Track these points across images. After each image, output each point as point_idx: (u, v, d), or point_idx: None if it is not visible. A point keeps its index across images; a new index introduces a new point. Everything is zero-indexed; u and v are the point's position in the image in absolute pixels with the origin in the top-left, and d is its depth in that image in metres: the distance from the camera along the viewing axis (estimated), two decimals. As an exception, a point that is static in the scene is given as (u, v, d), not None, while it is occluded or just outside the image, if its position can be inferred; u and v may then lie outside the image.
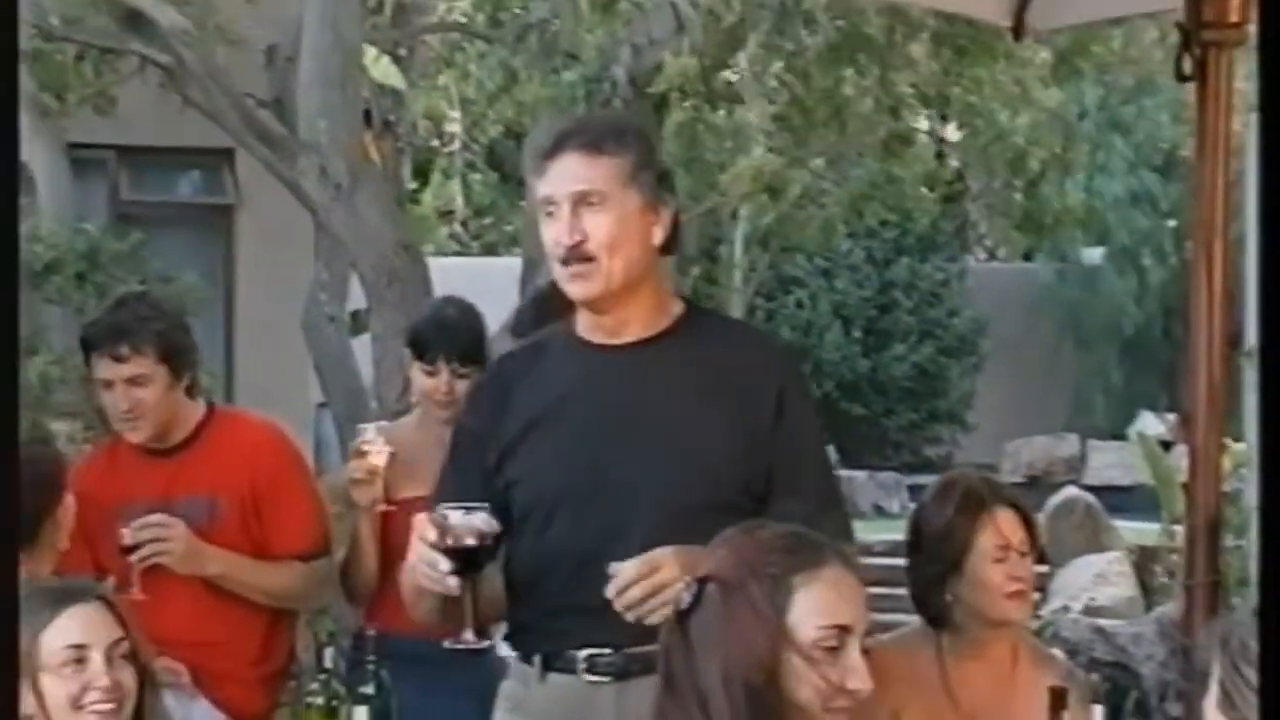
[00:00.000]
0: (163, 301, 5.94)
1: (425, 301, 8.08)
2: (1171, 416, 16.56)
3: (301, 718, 4.47)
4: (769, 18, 10.82)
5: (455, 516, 3.76)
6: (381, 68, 13.80)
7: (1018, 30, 5.49)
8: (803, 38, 11.24)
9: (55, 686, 3.74)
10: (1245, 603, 2.93)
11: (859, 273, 19.69)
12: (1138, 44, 13.10)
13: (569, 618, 3.95)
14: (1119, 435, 16.92)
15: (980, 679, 4.30)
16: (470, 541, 3.75)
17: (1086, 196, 18.81)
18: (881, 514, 15.76)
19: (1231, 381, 4.58)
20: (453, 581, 3.74)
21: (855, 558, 3.46)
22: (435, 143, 20.32)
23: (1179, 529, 6.82)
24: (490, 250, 21.56)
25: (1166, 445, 12.95)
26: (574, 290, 3.95)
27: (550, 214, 3.93)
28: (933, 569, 4.27)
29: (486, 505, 3.81)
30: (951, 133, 16.50)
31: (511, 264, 12.25)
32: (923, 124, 14.44)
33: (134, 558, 5.29)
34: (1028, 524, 4.52)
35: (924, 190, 15.62)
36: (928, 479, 16.39)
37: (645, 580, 3.67)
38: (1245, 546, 8.53)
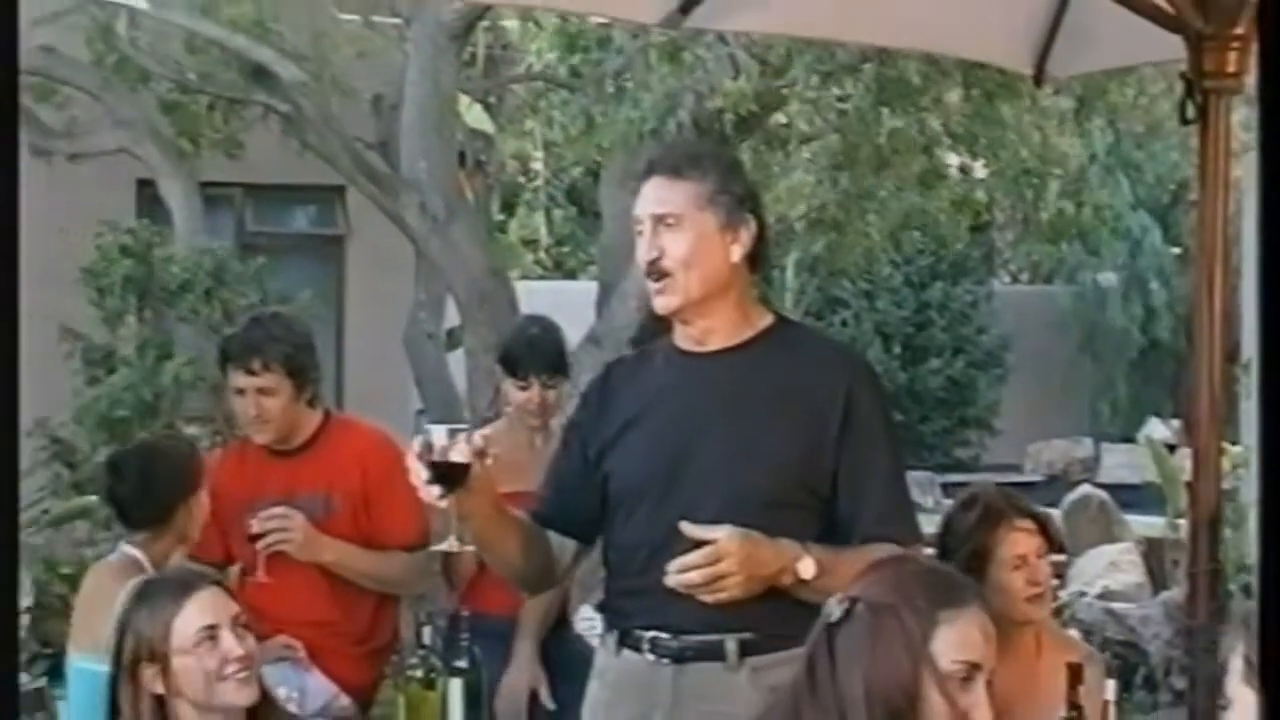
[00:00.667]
0: (294, 321, 5.94)
1: (513, 321, 8.10)
2: (1176, 422, 16.46)
3: (403, 689, 4.47)
4: (816, 65, 10.80)
5: (437, 435, 3.71)
6: (474, 114, 13.82)
7: (1038, 77, 5.48)
8: (846, 84, 11.21)
9: (193, 665, 3.74)
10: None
11: (897, 295, 19.63)
12: (1146, 93, 13.02)
13: (639, 600, 3.93)
14: (1129, 439, 16.84)
15: (1006, 668, 4.28)
16: (445, 457, 3.68)
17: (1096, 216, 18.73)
18: (918, 509, 15.71)
19: (1230, 391, 4.56)
20: (434, 490, 3.70)
21: (922, 552, 3.44)
22: (521, 180, 20.32)
23: (1182, 522, 6.78)
24: (569, 274, 21.55)
25: (1171, 448, 12.85)
26: (657, 303, 3.94)
27: (639, 233, 3.92)
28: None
29: (468, 429, 3.77)
30: (979, 170, 16.42)
31: (588, 286, 12.24)
32: (953, 160, 14.33)
33: (259, 545, 5.33)
34: (1044, 531, 4.50)
35: (955, 220, 15.57)
36: (958, 477, 16.36)
37: (706, 569, 3.66)
38: (1242, 538, 8.50)
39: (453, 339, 11.51)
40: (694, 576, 3.65)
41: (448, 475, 3.69)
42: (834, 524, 3.80)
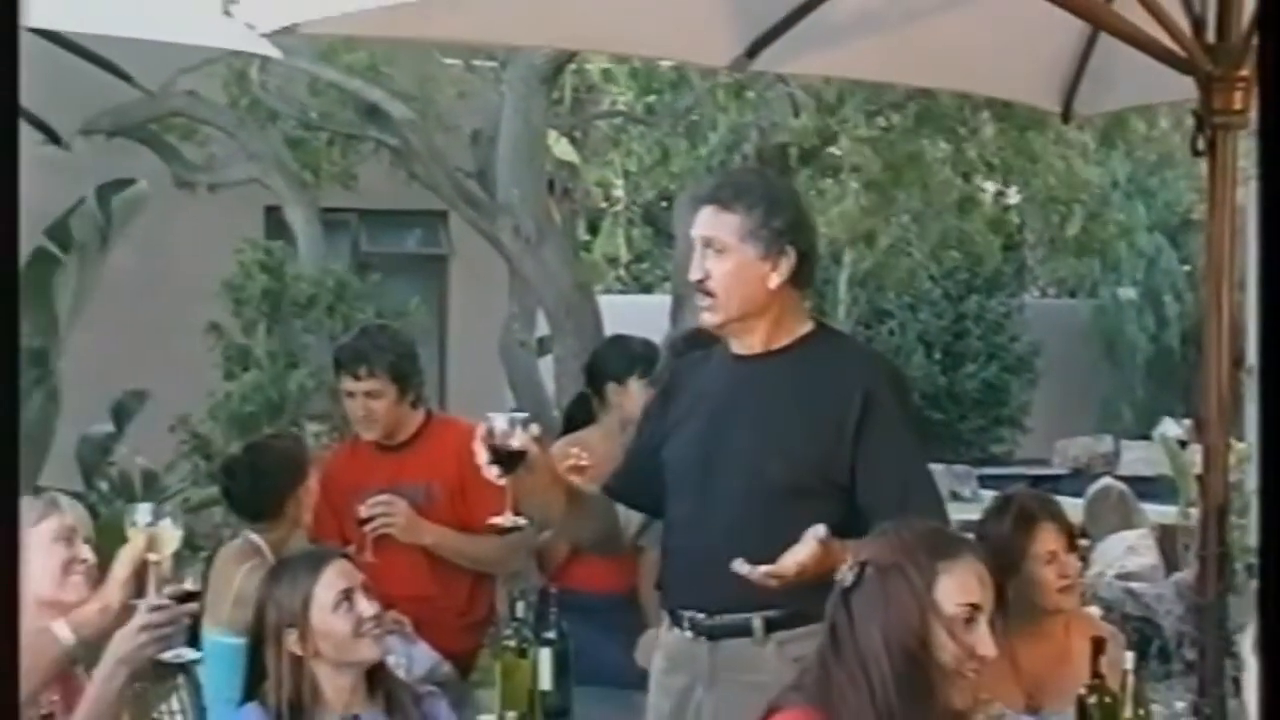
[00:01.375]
0: (400, 333, 5.98)
1: (598, 331, 8.11)
2: (1187, 421, 16.28)
3: (499, 657, 4.49)
4: (866, 104, 10.77)
5: (498, 423, 3.73)
6: (561, 147, 13.82)
7: (1065, 114, 5.46)
8: (892, 119, 11.18)
9: (335, 626, 3.82)
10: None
11: (938, 307, 19.54)
12: (1160, 128, 12.94)
13: (680, 581, 3.95)
14: (1145, 436, 16.67)
15: (1040, 647, 4.25)
16: (504, 443, 3.70)
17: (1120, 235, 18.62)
18: (957, 498, 15.63)
19: (1236, 394, 4.52)
20: (493, 471, 3.71)
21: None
22: (603, 204, 20.30)
23: (1193, 511, 6.73)
24: (646, 289, 21.54)
25: (1183, 444, 12.74)
26: (703, 318, 3.97)
27: (694, 250, 3.93)
28: (995, 572, 4.23)
29: (526, 416, 3.79)
30: (1012, 195, 16.34)
31: (663, 300, 12.22)
32: (989, 187, 14.28)
33: (367, 528, 5.35)
34: (1069, 529, 4.48)
35: (990, 240, 15.51)
36: (993, 470, 16.28)
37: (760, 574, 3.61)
38: (1247, 525, 8.43)
39: (543, 347, 11.50)
40: (755, 575, 3.60)
41: (506, 459, 3.72)
42: (854, 511, 3.75)
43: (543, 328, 11.22)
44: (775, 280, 3.86)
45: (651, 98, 12.46)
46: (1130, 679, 3.74)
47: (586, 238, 19.21)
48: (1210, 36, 4.28)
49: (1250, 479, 8.95)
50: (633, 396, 5.64)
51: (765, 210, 3.88)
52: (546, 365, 11.03)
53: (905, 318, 19.46)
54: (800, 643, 3.67)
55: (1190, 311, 19.24)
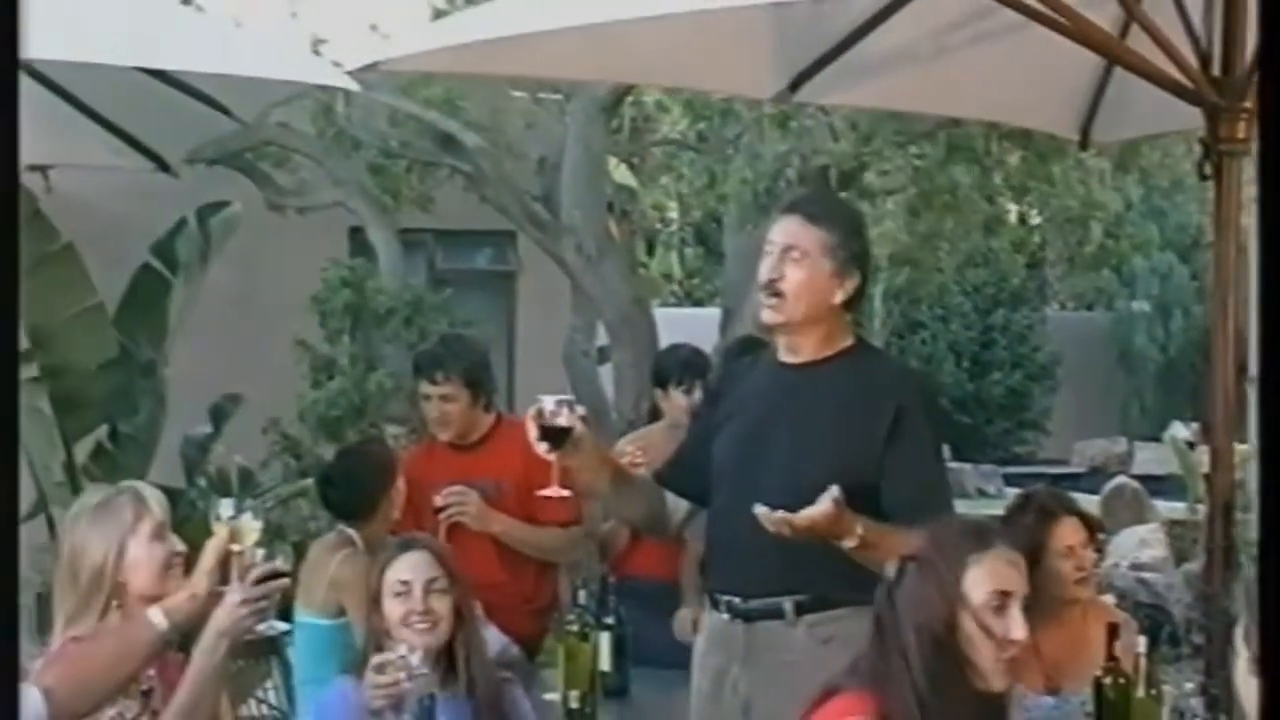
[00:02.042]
0: (472, 341, 6.01)
1: (656, 343, 8.11)
2: (1195, 424, 16.21)
3: (562, 640, 4.49)
4: (898, 133, 10.75)
5: (547, 403, 3.76)
6: (620, 172, 13.85)
7: (1083, 142, 5.45)
8: (924, 146, 11.16)
9: (393, 608, 3.85)
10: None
11: (966, 319, 19.47)
12: (1171, 154, 12.86)
13: (719, 567, 3.94)
14: (1156, 438, 16.58)
15: (1059, 634, 4.23)
16: (551, 421, 3.73)
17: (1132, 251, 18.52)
18: (983, 495, 15.59)
19: (1240, 399, 4.51)
20: (542, 446, 3.73)
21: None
22: (659, 225, 20.37)
23: (1201, 507, 6.69)
24: (698, 303, 21.53)
25: (1191, 445, 12.67)
26: (765, 315, 3.92)
27: (767, 252, 3.88)
28: None
29: (572, 399, 3.81)
30: (1034, 216, 16.29)
31: (713, 313, 12.21)
32: (1012, 209, 14.23)
33: (441, 516, 5.38)
34: (1088, 524, 4.46)
35: (1014, 258, 15.51)
36: (1017, 469, 16.22)
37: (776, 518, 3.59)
38: (1250, 520, 8.37)
39: (602, 356, 11.52)
40: (784, 528, 3.57)
41: (553, 435, 3.73)
42: (879, 510, 3.73)
43: (602, 338, 11.24)
44: (839, 297, 3.86)
45: (702, 125, 12.46)
46: (1143, 662, 3.73)
47: (644, 257, 19.24)
48: (1216, 70, 4.27)
49: (1253, 479, 8.90)
50: (682, 398, 5.68)
51: (845, 232, 3.88)
52: (606, 373, 11.06)
53: (936, 329, 19.40)
54: (828, 625, 3.69)
55: (1198, 324, 19.10)
